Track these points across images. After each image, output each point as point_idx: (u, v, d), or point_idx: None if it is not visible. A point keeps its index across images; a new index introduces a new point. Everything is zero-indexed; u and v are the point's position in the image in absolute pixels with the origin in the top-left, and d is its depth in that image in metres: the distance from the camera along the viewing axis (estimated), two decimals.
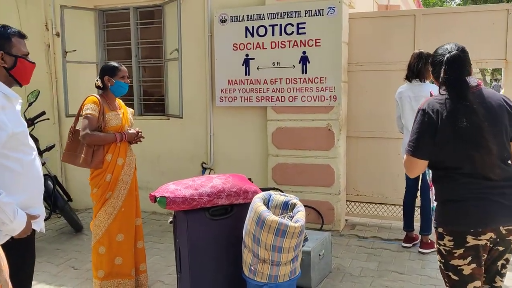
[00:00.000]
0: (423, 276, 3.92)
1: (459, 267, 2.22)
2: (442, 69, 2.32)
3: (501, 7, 4.79)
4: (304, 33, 4.92)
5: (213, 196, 3.14)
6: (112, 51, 6.17)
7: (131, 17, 5.88)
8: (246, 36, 5.17)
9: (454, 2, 37.76)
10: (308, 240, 3.39)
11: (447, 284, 2.33)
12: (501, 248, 2.24)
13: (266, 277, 2.98)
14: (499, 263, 2.28)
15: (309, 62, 4.95)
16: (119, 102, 3.65)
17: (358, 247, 4.60)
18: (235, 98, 5.31)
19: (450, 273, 2.27)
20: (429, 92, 4.24)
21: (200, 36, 5.48)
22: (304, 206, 5.01)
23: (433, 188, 2.39)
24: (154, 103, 6.11)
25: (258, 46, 5.13)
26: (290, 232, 2.86)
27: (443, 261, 2.29)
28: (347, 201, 5.39)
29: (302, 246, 3.16)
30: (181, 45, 5.45)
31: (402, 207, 4.69)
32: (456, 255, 2.21)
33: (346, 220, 5.38)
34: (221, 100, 5.38)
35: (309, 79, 4.97)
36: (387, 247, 4.60)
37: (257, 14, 5.09)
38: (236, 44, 5.22)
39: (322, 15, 4.83)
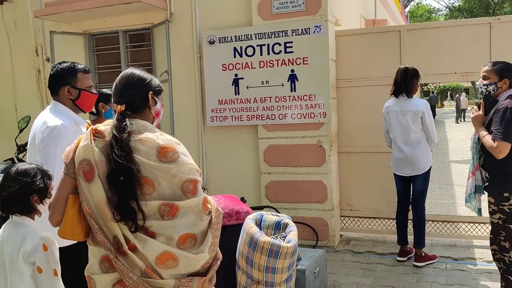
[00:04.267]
0: None
1: None
2: None
3: (484, 21, 4.89)
4: (292, 52, 4.99)
5: None
6: (103, 74, 6.21)
7: (121, 40, 5.93)
8: (234, 57, 5.23)
9: (441, 14, 38.31)
10: (302, 259, 3.40)
11: (504, 235, 3.14)
12: None
13: None
14: None
15: (297, 80, 5.01)
16: None
17: (353, 263, 4.61)
18: (226, 117, 5.35)
19: (510, 225, 3.10)
20: (415, 106, 4.33)
21: (189, 58, 5.54)
22: (299, 223, 5.08)
23: (478, 172, 3.32)
24: None
25: (247, 66, 5.19)
26: (283, 253, 2.87)
27: (504, 217, 3.12)
28: (341, 216, 5.40)
29: (296, 265, 3.17)
30: (170, 66, 5.51)
31: (395, 220, 4.71)
32: None
33: (341, 235, 5.39)
34: (212, 120, 5.42)
35: (298, 96, 5.02)
36: (382, 261, 4.61)
37: (244, 35, 5.16)
38: (225, 65, 5.27)
39: (309, 34, 4.90)
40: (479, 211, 3.50)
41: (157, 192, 1.72)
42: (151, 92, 1.92)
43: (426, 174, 4.42)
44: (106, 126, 1.83)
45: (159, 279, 1.68)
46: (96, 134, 1.78)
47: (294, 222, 4.99)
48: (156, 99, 1.95)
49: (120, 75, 1.93)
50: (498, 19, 4.80)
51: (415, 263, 4.45)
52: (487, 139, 3.13)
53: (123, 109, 1.83)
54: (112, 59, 6.09)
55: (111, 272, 1.72)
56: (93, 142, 1.75)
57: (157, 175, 1.72)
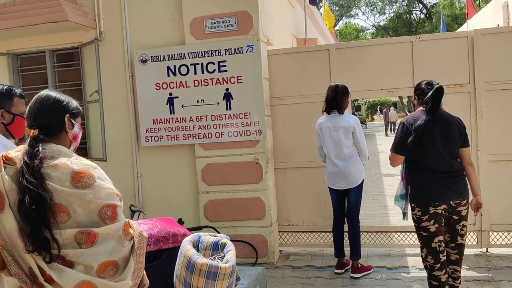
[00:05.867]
0: None
1: (427, 227, 3.32)
2: (430, 94, 3.34)
3: (406, 40, 5.18)
4: (226, 71, 5.02)
5: None
6: (29, 95, 5.82)
7: (47, 60, 5.69)
8: (168, 75, 5.17)
9: (368, 32, 40.29)
10: (241, 278, 3.37)
11: (420, 240, 3.40)
12: (455, 217, 3.35)
13: None
14: (458, 227, 3.38)
15: (232, 99, 5.03)
16: None
17: (292, 278, 4.64)
18: (161, 137, 5.26)
19: (421, 232, 3.37)
20: (346, 122, 4.49)
21: (121, 77, 5.41)
22: (238, 241, 5.06)
23: (403, 180, 3.67)
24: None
25: (181, 84, 5.15)
26: (221, 274, 2.83)
27: (416, 224, 3.40)
28: (279, 231, 5.44)
29: (236, 285, 3.13)
30: (101, 86, 5.35)
31: (332, 233, 4.82)
32: (423, 219, 3.32)
33: (280, 251, 5.42)
34: (147, 140, 5.30)
35: (233, 115, 5.04)
36: (321, 275, 4.68)
37: (177, 54, 5.12)
38: (159, 84, 5.20)
39: (242, 53, 4.96)
40: (404, 215, 3.90)
41: (73, 219, 1.65)
42: (68, 115, 1.85)
43: (359, 187, 4.57)
44: (17, 152, 1.74)
45: None
46: (7, 161, 1.69)
47: (234, 240, 4.99)
48: (74, 122, 1.88)
49: (35, 97, 1.84)
50: (419, 37, 5.11)
51: (352, 274, 4.55)
52: None
53: (36, 133, 1.75)
54: (39, 79, 5.82)
55: None
56: (3, 169, 1.66)
57: (72, 201, 1.65)
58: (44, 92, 1.86)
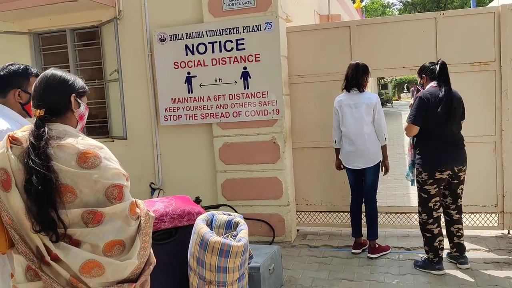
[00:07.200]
0: (372, 281, 4.01)
1: (428, 190, 3.90)
2: (438, 69, 3.87)
3: (430, 16, 5.01)
4: (244, 49, 4.97)
5: (155, 221, 3.09)
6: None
7: (68, 39, 5.75)
8: (186, 54, 5.16)
9: (395, 8, 39.25)
10: (254, 257, 3.40)
11: (419, 199, 4.00)
12: (456, 181, 3.93)
13: None
14: (458, 190, 3.98)
15: (250, 77, 5.00)
16: None
17: (309, 257, 4.66)
18: (180, 116, 5.28)
19: (422, 193, 3.95)
20: (368, 99, 4.45)
21: (140, 56, 5.43)
22: (255, 219, 5.09)
23: (412, 150, 4.16)
24: (98, 125, 5.98)
25: (199, 63, 5.13)
26: (233, 252, 2.86)
27: (419, 186, 3.96)
28: (297, 211, 5.45)
29: (248, 263, 3.17)
30: (120, 65, 5.39)
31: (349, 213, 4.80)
32: (428, 183, 3.87)
33: (297, 230, 5.44)
34: (166, 119, 5.34)
35: (251, 94, 5.01)
36: (338, 254, 4.68)
37: (196, 32, 5.10)
38: (177, 63, 5.20)
39: (260, 30, 4.90)
40: (412, 182, 4.31)
41: (80, 199, 1.67)
42: (74, 94, 1.86)
43: (377, 167, 4.52)
44: (24, 132, 1.76)
45: None
46: (13, 141, 1.71)
47: (251, 219, 5.06)
48: (80, 101, 1.88)
49: (40, 76, 1.84)
50: (443, 14, 4.94)
51: (369, 255, 4.53)
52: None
53: (42, 114, 1.76)
54: (60, 58, 5.89)
55: (36, 281, 1.67)
56: (9, 149, 1.68)
57: (78, 182, 1.66)
58: (49, 71, 1.86)
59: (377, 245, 4.57)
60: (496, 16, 4.73)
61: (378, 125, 4.47)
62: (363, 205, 4.68)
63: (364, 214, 4.68)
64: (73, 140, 1.72)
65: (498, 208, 4.85)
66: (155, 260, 1.87)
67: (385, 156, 4.55)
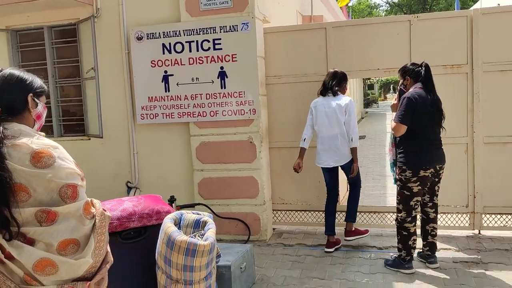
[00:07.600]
0: (342, 280, 4.07)
1: (411, 187, 3.96)
2: (424, 72, 3.97)
3: (404, 19, 5.08)
4: (221, 49, 4.99)
5: (123, 220, 3.11)
6: (28, 71, 5.93)
7: (46, 36, 5.72)
8: (163, 53, 5.17)
9: (382, 9, 39.51)
10: (221, 256, 3.43)
11: (399, 197, 4.04)
12: (436, 179, 4.06)
13: None
14: (436, 188, 4.11)
15: (227, 77, 5.02)
16: None
17: (283, 256, 4.70)
18: (157, 114, 5.29)
19: (404, 191, 3.99)
20: (342, 101, 4.55)
21: (117, 54, 5.42)
22: (231, 218, 5.12)
23: (394, 149, 4.26)
24: (74, 124, 5.95)
25: (176, 62, 5.14)
26: (199, 251, 2.89)
27: (401, 184, 4.01)
28: (273, 210, 5.49)
29: (216, 262, 3.20)
30: (97, 63, 5.37)
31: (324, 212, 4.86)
32: (412, 180, 3.94)
33: (274, 229, 5.48)
34: (142, 118, 5.34)
35: (228, 93, 5.04)
36: (311, 253, 4.74)
37: (173, 31, 5.10)
38: (154, 61, 5.21)
39: (237, 30, 4.92)
40: (395, 180, 4.31)
41: (33, 198, 1.68)
42: (31, 94, 1.87)
43: (350, 163, 4.61)
44: None
45: (39, 286, 1.66)
46: None
47: (227, 218, 5.09)
48: (37, 101, 1.89)
49: None
50: (417, 16, 5.01)
51: (346, 237, 4.71)
52: (392, 122, 4.07)
53: None
54: (38, 55, 5.86)
55: None
56: None
57: (32, 181, 1.68)
58: (7, 71, 1.87)
59: (353, 228, 4.70)
60: (468, 20, 4.82)
61: (348, 125, 4.56)
62: (337, 205, 4.78)
63: (339, 213, 4.80)
64: (27, 139, 1.73)
65: (469, 208, 4.95)
66: (112, 259, 1.88)
67: (354, 159, 4.60)
